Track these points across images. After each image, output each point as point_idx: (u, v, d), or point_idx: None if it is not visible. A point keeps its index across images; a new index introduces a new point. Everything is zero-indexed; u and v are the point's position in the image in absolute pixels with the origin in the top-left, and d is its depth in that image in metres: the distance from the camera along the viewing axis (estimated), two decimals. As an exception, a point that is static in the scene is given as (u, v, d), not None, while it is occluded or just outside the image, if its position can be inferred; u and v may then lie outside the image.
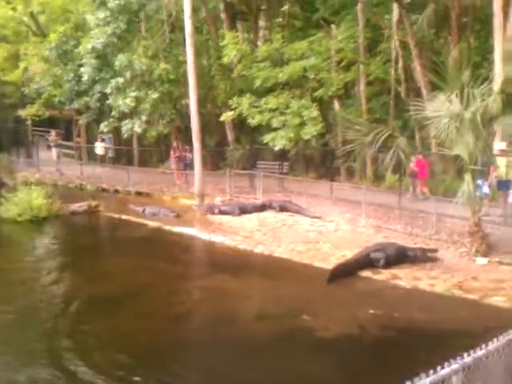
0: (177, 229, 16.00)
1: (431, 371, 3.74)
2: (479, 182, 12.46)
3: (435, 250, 12.31)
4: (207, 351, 8.47)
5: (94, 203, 19.09)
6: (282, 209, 17.11)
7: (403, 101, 19.50)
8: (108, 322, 9.28)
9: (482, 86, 11.71)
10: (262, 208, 17.47)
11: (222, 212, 17.34)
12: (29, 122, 29.66)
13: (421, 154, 17.27)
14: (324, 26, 21.43)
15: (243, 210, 17.24)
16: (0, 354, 8.31)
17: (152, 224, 16.70)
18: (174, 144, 23.44)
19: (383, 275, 11.26)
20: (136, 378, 7.40)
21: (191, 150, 20.70)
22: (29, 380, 7.44)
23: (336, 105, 21.30)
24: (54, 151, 26.07)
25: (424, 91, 17.99)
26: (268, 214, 16.90)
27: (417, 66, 18.60)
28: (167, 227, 16.22)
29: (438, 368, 3.77)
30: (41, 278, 12.06)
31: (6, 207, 17.13)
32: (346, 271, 11.35)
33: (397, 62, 19.88)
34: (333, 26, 21.03)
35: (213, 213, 17.39)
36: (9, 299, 10.57)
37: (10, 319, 9.59)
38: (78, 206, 18.77)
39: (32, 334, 9.00)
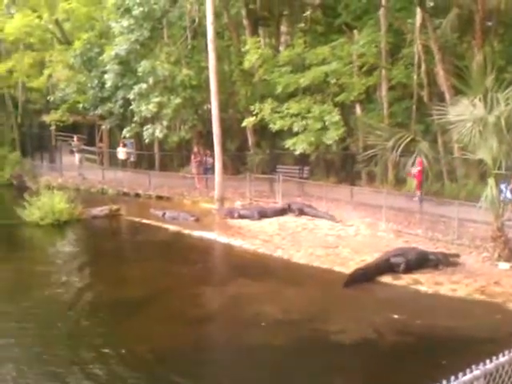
0: (196, 233, 16.02)
1: (452, 377, 3.65)
2: (502, 186, 12.25)
3: (457, 255, 12.13)
4: (227, 355, 8.45)
5: (115, 207, 19.25)
6: (301, 212, 17.03)
7: (426, 105, 19.27)
8: (130, 325, 9.32)
9: (506, 91, 11.52)
10: (282, 212, 17.42)
11: (241, 216, 17.33)
12: (53, 128, 30.03)
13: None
14: (346, 31, 21.32)
15: (263, 214, 17.21)
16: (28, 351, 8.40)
17: (172, 228, 16.77)
18: (195, 149, 23.53)
19: (404, 280, 11.12)
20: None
21: (212, 155, 20.77)
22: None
23: (358, 109, 21.16)
24: (77, 156, 26.37)
25: (447, 95, 17.78)
26: (288, 219, 16.83)
27: (440, 71, 18.38)
28: (187, 231, 16.25)
29: (460, 374, 3.68)
30: (63, 281, 12.17)
31: (29, 211, 17.36)
32: (366, 276, 11.24)
33: (419, 67, 19.66)
34: (355, 31, 20.91)
35: (232, 217, 17.39)
36: (32, 302, 10.67)
37: (33, 322, 9.67)
38: (100, 210, 18.95)
39: (58, 336, 9.10)
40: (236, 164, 24.16)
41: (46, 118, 29.79)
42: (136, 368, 7.81)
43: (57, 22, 29.57)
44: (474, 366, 3.77)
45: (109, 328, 9.26)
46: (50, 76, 29.16)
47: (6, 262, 13.68)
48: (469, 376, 3.73)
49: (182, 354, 8.26)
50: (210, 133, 20.76)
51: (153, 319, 9.60)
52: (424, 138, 17.83)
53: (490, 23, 19.60)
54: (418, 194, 17.31)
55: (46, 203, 17.55)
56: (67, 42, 29.11)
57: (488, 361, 3.80)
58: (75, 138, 27.30)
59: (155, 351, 8.29)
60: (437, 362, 7.52)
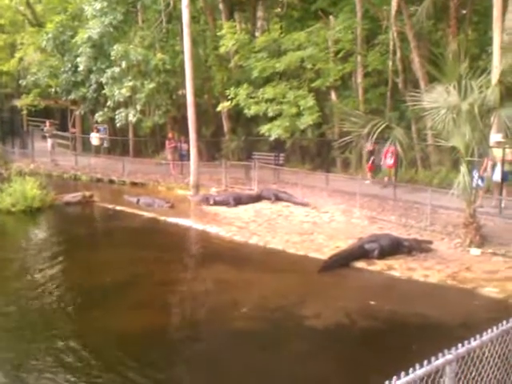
0: (171, 219, 15.92)
1: (425, 361, 3.69)
2: (474, 173, 12.42)
3: (429, 241, 12.27)
4: (202, 341, 8.43)
5: (88, 194, 19.02)
6: (277, 198, 17.06)
7: (400, 92, 19.42)
8: (103, 312, 9.21)
9: (480, 78, 11.63)
10: (258, 198, 17.41)
11: (216, 203, 17.27)
12: (24, 112, 29.46)
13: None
14: (322, 16, 21.28)
15: (238, 201, 17.17)
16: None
17: (147, 215, 16.63)
18: (170, 134, 23.35)
19: (378, 266, 11.22)
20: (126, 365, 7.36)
21: (187, 141, 20.62)
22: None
23: (333, 96, 21.19)
24: (49, 141, 25.95)
25: (422, 82, 17.92)
26: (263, 205, 16.83)
27: (415, 58, 18.50)
28: (162, 218, 16.13)
29: (432, 358, 3.72)
30: (36, 269, 11.94)
31: (1, 197, 17.01)
32: (340, 262, 11.31)
33: (394, 54, 19.76)
34: (331, 16, 20.89)
35: (208, 203, 17.32)
36: (3, 290, 10.50)
37: (7, 310, 9.50)
38: (72, 197, 18.68)
39: (32, 324, 8.95)
40: (211, 150, 24.05)
41: (18, 103, 29.24)
42: (104, 357, 7.73)
43: (28, 4, 28.93)
44: (446, 351, 3.81)
45: (79, 316, 9.13)
46: (21, 59, 28.54)
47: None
48: (441, 360, 3.77)
49: (155, 341, 8.19)
50: (184, 118, 20.58)
51: (126, 305, 9.51)
52: (398, 124, 17.94)
53: (464, 11, 19.77)
54: (385, 179, 17.64)
55: (18, 189, 17.20)
56: (39, 24, 28.50)
57: (460, 345, 3.85)
58: (47, 123, 26.77)
59: (126, 337, 8.23)
60: (408, 347, 7.62)
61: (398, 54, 19.46)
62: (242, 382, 7.19)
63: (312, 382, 7.11)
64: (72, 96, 26.18)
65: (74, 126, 29.41)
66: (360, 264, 11.37)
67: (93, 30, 23.21)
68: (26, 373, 7.27)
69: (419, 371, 3.65)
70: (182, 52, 20.03)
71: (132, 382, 7.02)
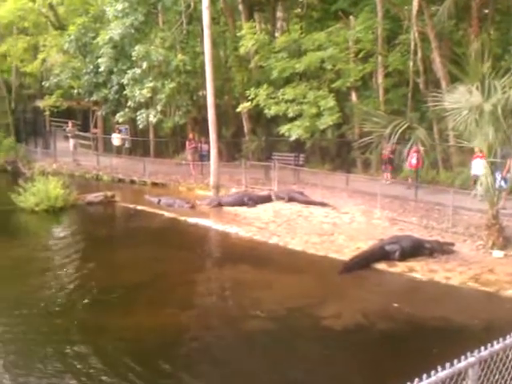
0: (192, 219, 16.02)
1: (447, 364, 3.67)
2: (497, 174, 12.27)
3: (451, 243, 12.17)
4: (222, 340, 8.48)
5: (110, 193, 19.23)
6: (291, 199, 17.07)
7: (421, 92, 19.26)
8: (125, 310, 9.32)
9: (503, 78, 11.49)
10: (268, 199, 17.42)
11: (222, 204, 17.34)
12: (47, 113, 29.85)
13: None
14: (342, 17, 21.19)
15: (244, 202, 17.19)
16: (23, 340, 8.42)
17: (167, 214, 16.76)
18: (190, 135, 23.47)
19: (399, 268, 11.17)
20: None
21: (207, 142, 20.72)
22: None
23: (353, 96, 21.09)
24: (71, 142, 26.28)
25: (443, 83, 17.74)
26: (283, 206, 16.83)
27: (436, 58, 18.33)
28: (182, 218, 16.25)
29: (455, 361, 3.71)
30: (58, 267, 12.15)
31: (24, 197, 17.30)
32: (361, 263, 11.28)
33: (416, 54, 19.58)
34: (351, 17, 20.79)
35: (214, 205, 17.39)
36: (28, 288, 10.67)
37: (28, 307, 9.65)
38: (94, 197, 18.91)
39: (54, 322, 9.10)
40: (231, 151, 24.10)
41: (40, 104, 29.62)
42: (126, 353, 7.82)
43: (51, 6, 29.28)
44: (468, 354, 3.79)
45: (102, 313, 9.25)
46: (44, 61, 28.91)
47: (3, 249, 13.64)
48: (464, 363, 3.75)
49: (175, 340, 8.28)
50: (205, 119, 20.67)
51: (147, 304, 9.62)
52: (419, 125, 17.83)
53: (486, 10, 19.53)
54: (409, 180, 17.53)
55: (41, 189, 17.49)
56: (61, 26, 28.84)
57: (483, 348, 3.83)
58: (69, 124, 27.13)
59: (146, 335, 8.32)
60: (429, 350, 7.58)
61: (419, 54, 19.30)
62: (256, 382, 7.22)
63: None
64: (94, 97, 26.43)
65: (95, 126, 29.71)
66: (381, 265, 11.33)
67: (114, 31, 23.41)
68: (50, 362, 7.41)
69: (441, 373, 3.64)
70: (203, 53, 20.13)
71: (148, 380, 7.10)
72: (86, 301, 9.95)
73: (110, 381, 7.05)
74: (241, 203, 17.19)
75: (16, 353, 7.98)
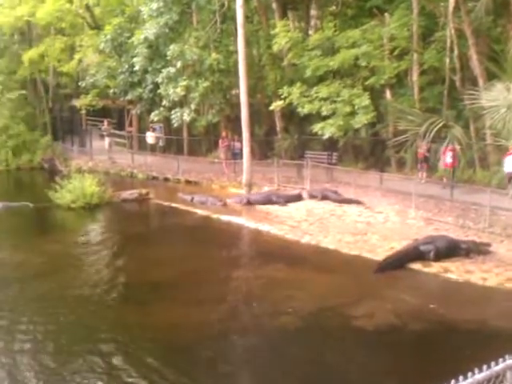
0: (224, 217, 16.10)
1: (485, 366, 3.62)
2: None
3: (488, 244, 11.93)
4: (253, 337, 8.51)
5: (144, 191, 19.49)
6: (324, 197, 17.02)
7: (458, 90, 18.91)
8: (161, 307, 9.43)
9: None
10: (298, 198, 17.38)
11: (250, 202, 17.39)
12: (83, 112, 30.40)
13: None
14: (377, 14, 20.96)
15: (273, 201, 17.22)
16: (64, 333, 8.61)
17: (200, 212, 16.89)
18: (223, 133, 23.58)
19: (434, 268, 11.02)
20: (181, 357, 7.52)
21: (240, 140, 20.79)
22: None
23: (388, 94, 20.84)
24: (107, 140, 26.70)
25: (480, 80, 17.38)
26: (315, 204, 16.76)
27: (473, 55, 17.96)
28: (215, 216, 16.35)
29: (492, 363, 3.65)
30: (93, 263, 12.37)
31: (61, 194, 17.67)
32: (395, 263, 11.16)
33: (452, 51, 19.23)
34: (386, 14, 20.55)
35: (242, 203, 17.47)
36: (65, 283, 10.89)
37: (65, 302, 9.85)
38: (129, 194, 19.19)
39: (87, 315, 9.27)
40: (264, 149, 24.11)
41: (77, 103, 30.17)
42: (161, 351, 7.92)
43: (87, 7, 29.79)
44: (507, 356, 3.72)
45: (137, 309, 9.39)
46: (80, 61, 29.42)
47: (39, 244, 13.97)
48: (502, 365, 3.69)
49: (206, 336, 8.34)
50: (238, 118, 20.73)
51: (182, 301, 9.72)
52: (456, 123, 17.59)
53: (526, 6, 19.03)
54: (444, 179, 17.26)
55: (77, 186, 17.84)
56: (97, 26, 29.31)
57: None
58: (105, 123, 27.56)
59: (182, 331, 8.42)
60: (462, 352, 7.47)
61: (456, 51, 18.94)
62: (284, 380, 7.21)
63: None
64: (129, 96, 26.77)
65: (130, 125, 30.11)
66: (415, 266, 11.19)
67: (149, 30, 23.67)
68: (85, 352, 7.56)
69: (478, 376, 3.59)
70: (236, 52, 20.18)
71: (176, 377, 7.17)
72: (118, 297, 10.12)
73: (137, 378, 7.11)
74: (269, 202, 17.24)
75: (45, 348, 8.11)
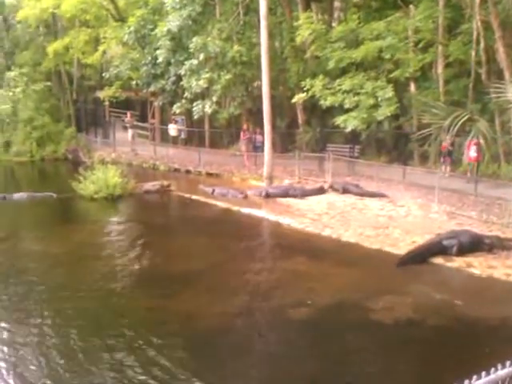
0: (245, 210, 16.12)
1: (508, 362, 3.57)
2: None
3: (513, 239, 11.75)
4: (275, 329, 8.53)
5: (166, 183, 19.61)
6: (345, 191, 16.95)
7: (483, 83, 18.61)
8: (184, 297, 9.51)
9: None
10: (320, 191, 17.31)
11: (269, 195, 17.39)
12: (106, 104, 30.67)
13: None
14: (402, 6, 20.69)
15: (293, 194, 17.21)
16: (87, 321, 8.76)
17: (221, 204, 16.93)
18: (245, 126, 23.57)
19: (456, 263, 10.90)
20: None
21: (261, 133, 20.76)
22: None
23: (412, 87, 20.61)
24: (130, 132, 26.93)
25: (506, 73, 17.08)
26: (336, 198, 16.69)
27: (500, 48, 17.64)
28: (236, 208, 16.39)
29: (507, 363, 3.60)
30: (115, 253, 12.48)
31: (84, 185, 17.89)
32: (417, 258, 11.07)
33: (478, 43, 18.92)
34: (411, 5, 20.28)
35: (260, 196, 17.46)
36: (88, 274, 11.01)
37: (87, 292, 9.98)
38: (151, 185, 19.34)
39: (109, 305, 9.39)
40: (285, 142, 24.06)
41: (100, 94, 30.44)
42: (183, 343, 7.98)
43: (111, -1, 30.00)
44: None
45: (160, 300, 9.46)
46: (104, 52, 29.68)
47: (63, 234, 14.19)
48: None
49: (228, 326, 8.39)
50: (259, 110, 20.71)
51: (204, 292, 9.77)
52: (481, 117, 17.33)
53: (556, -3, 18.62)
54: (468, 174, 17.05)
55: (100, 177, 18.04)
56: (121, 18, 29.48)
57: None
58: (128, 114, 27.79)
59: (205, 322, 8.49)
60: (481, 349, 7.39)
61: (482, 44, 18.64)
62: (299, 372, 7.22)
63: (379, 378, 7.03)
64: (151, 88, 26.91)
65: (153, 117, 30.30)
66: (437, 260, 11.08)
67: (172, 22, 23.74)
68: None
69: (501, 372, 3.55)
70: (259, 44, 20.11)
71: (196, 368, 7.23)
72: (139, 287, 10.19)
73: (158, 369, 7.18)
74: (287, 195, 17.26)
75: (66, 337, 8.21)
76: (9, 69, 30.98)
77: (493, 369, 3.51)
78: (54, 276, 11.03)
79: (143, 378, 6.89)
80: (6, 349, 7.74)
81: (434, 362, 7.18)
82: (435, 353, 7.45)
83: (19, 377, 6.97)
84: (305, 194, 17.28)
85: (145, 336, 8.07)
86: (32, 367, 7.20)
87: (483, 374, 3.48)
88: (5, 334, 8.26)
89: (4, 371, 7.07)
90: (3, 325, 8.57)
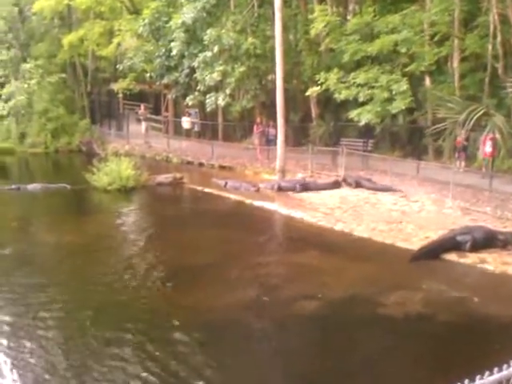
0: (257, 203, 16.12)
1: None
2: None
3: (528, 236, 11.61)
4: (284, 323, 8.52)
5: (179, 175, 19.67)
6: (358, 185, 16.91)
7: (500, 78, 18.36)
8: (197, 288, 9.54)
9: None
10: (335, 185, 17.28)
11: (281, 188, 17.37)
12: (120, 96, 30.77)
13: None
14: (418, -1, 20.49)
15: (305, 188, 17.18)
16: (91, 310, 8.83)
17: (234, 197, 16.94)
18: (258, 119, 23.51)
19: (469, 259, 10.80)
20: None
21: (274, 126, 20.70)
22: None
23: (427, 81, 20.40)
24: (143, 124, 27.02)
25: (524, 68, 16.87)
26: (349, 192, 16.61)
27: (517, 41, 17.44)
28: (248, 201, 16.38)
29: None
30: (128, 245, 12.56)
31: (98, 176, 17.98)
32: (431, 253, 10.98)
33: (495, 37, 18.65)
34: (427, -1, 20.06)
35: (272, 189, 17.45)
36: (100, 264, 11.11)
37: (99, 283, 10.03)
38: (164, 178, 19.41)
39: (121, 297, 9.42)
40: (298, 136, 23.96)
41: (114, 87, 30.53)
42: (194, 335, 8.00)
43: (126, -9, 30.01)
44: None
45: (174, 291, 9.50)
46: (118, 45, 29.72)
47: (76, 225, 14.29)
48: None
49: (237, 319, 8.40)
50: (273, 104, 20.64)
51: (217, 284, 9.78)
52: (497, 112, 17.12)
53: None
54: (483, 169, 16.87)
55: (114, 169, 18.13)
56: (136, 10, 29.50)
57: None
58: (142, 107, 27.86)
59: (217, 313, 8.54)
60: (491, 346, 7.33)
61: (499, 38, 18.37)
62: (304, 365, 7.22)
63: (387, 372, 7.00)
64: (165, 80, 26.91)
65: (166, 110, 30.34)
66: (450, 256, 10.99)
67: (186, 15, 23.72)
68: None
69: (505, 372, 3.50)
70: (273, 37, 20.03)
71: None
72: (149, 278, 10.21)
73: (171, 360, 7.21)
74: (299, 188, 17.27)
75: (79, 328, 8.27)
76: (24, 61, 31.12)
77: (505, 365, 3.47)
78: (66, 266, 11.12)
79: (161, 360, 6.93)
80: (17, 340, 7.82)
81: (443, 357, 7.14)
82: (445, 348, 7.41)
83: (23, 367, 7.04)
84: (318, 188, 17.23)
85: (152, 327, 8.12)
86: (34, 358, 7.25)
87: (495, 370, 3.45)
88: (11, 323, 8.34)
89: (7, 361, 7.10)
90: (11, 313, 8.66)
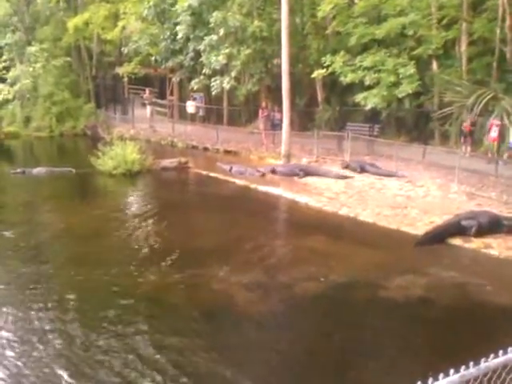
0: (262, 188, 16.09)
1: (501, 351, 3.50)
2: None
3: (533, 221, 11.54)
4: (288, 305, 8.55)
5: (183, 160, 19.64)
6: (363, 170, 16.84)
7: (508, 62, 18.16)
8: (203, 271, 9.56)
9: None
10: (336, 175, 17.20)
11: (277, 173, 17.42)
12: (125, 80, 30.65)
13: None
14: (426, -19, 20.20)
15: (306, 172, 17.16)
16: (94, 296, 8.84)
17: (238, 182, 16.92)
18: (263, 104, 23.36)
19: (474, 244, 10.77)
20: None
21: (280, 110, 20.58)
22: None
23: (434, 65, 20.19)
24: (148, 109, 26.93)
25: (532, 52, 16.66)
26: (355, 177, 16.53)
27: (526, 25, 17.20)
28: (253, 186, 16.36)
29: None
30: (134, 229, 12.50)
31: (103, 160, 17.98)
32: (436, 238, 10.95)
33: (503, 21, 18.42)
34: (436, -19, 19.79)
35: (272, 173, 17.52)
36: (105, 248, 11.14)
37: (104, 267, 10.04)
38: (169, 162, 19.38)
39: (125, 281, 9.44)
40: (304, 120, 23.84)
41: (119, 70, 30.39)
42: (200, 319, 8.03)
43: (131, -27, 29.71)
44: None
45: (175, 275, 9.51)
46: (123, 28, 29.52)
47: (81, 209, 14.31)
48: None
49: (242, 301, 8.42)
50: (278, 88, 20.50)
51: (223, 267, 9.76)
52: (504, 96, 16.94)
53: None
54: (489, 154, 16.74)
55: (119, 154, 18.13)
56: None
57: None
58: (147, 91, 27.75)
59: (224, 296, 8.58)
60: (493, 330, 7.33)
61: (508, 22, 18.14)
62: (303, 345, 7.26)
63: (391, 355, 7.02)
64: (170, 63, 26.75)
65: (171, 94, 30.22)
66: (455, 241, 10.97)
67: (193, -3, 23.55)
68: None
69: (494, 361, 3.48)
70: (279, 20, 19.84)
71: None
72: (154, 262, 10.23)
73: (174, 343, 7.24)
74: (293, 174, 17.28)
75: (86, 310, 8.34)
76: (29, 44, 31.00)
77: (510, 348, 3.45)
78: (71, 250, 11.16)
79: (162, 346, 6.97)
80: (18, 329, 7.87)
81: (447, 341, 7.14)
82: (449, 332, 7.42)
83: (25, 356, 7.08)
84: (319, 173, 17.16)
85: (156, 308, 8.15)
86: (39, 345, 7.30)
87: (500, 352, 3.43)
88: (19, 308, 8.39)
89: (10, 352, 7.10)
90: (18, 299, 8.73)
